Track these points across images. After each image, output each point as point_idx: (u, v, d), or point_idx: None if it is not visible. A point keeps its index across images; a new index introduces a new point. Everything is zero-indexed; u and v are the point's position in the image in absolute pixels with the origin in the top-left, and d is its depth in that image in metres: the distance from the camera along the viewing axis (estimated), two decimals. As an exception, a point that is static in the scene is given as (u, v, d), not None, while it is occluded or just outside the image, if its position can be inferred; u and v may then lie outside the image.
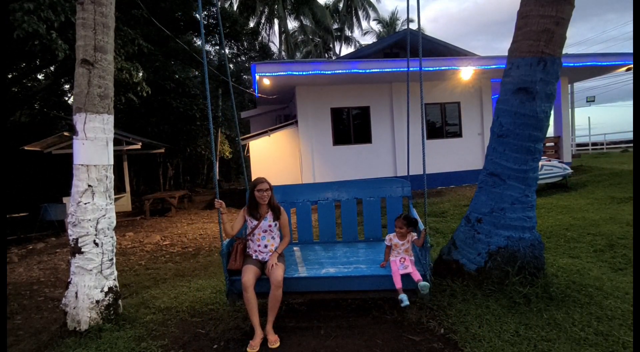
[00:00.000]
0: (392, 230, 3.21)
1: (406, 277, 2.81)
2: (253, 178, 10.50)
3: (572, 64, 10.62)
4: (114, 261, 3.14)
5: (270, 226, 3.01)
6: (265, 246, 2.98)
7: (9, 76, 10.33)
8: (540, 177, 7.83)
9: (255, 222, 3.00)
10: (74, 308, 2.88)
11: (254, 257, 2.96)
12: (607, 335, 2.44)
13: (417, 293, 2.76)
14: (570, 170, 9.11)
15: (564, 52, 3.30)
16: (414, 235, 3.03)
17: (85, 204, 2.93)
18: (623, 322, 2.57)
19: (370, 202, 3.72)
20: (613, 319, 2.62)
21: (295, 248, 3.65)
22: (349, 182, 3.85)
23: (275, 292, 2.70)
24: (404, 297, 2.74)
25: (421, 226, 3.04)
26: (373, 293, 2.91)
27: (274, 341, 2.62)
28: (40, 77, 13.76)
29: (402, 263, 2.89)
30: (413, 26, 27.55)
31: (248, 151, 11.32)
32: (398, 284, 2.78)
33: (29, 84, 13.08)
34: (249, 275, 2.74)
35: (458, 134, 11.81)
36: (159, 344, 2.70)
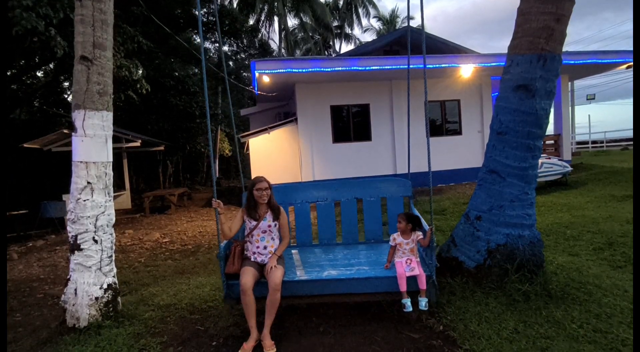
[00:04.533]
0: (393, 230, 3.14)
1: (410, 279, 2.73)
2: (253, 176, 10.60)
3: (572, 62, 10.59)
4: (113, 258, 3.14)
5: (269, 226, 2.93)
6: (265, 247, 2.91)
7: (8, 73, 10.30)
8: (540, 174, 7.83)
9: (254, 223, 2.93)
10: (73, 305, 2.89)
11: (252, 259, 2.89)
12: (605, 332, 2.44)
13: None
14: (570, 168, 9.11)
15: (563, 49, 3.29)
16: (420, 234, 2.93)
17: (84, 200, 2.92)
18: (622, 320, 2.58)
19: (370, 202, 3.63)
20: (612, 317, 2.62)
21: (293, 251, 3.54)
22: (349, 181, 3.75)
23: (273, 296, 2.63)
24: (407, 302, 2.69)
25: (426, 225, 2.98)
26: (377, 296, 2.84)
27: (270, 346, 2.52)
28: (39, 74, 13.72)
29: (408, 264, 2.77)
30: (413, 23, 27.49)
31: (248, 149, 11.30)
32: (403, 287, 2.70)
33: (28, 82, 13.04)
34: (248, 277, 2.68)
35: (458, 132, 11.80)
36: (158, 341, 2.71)
